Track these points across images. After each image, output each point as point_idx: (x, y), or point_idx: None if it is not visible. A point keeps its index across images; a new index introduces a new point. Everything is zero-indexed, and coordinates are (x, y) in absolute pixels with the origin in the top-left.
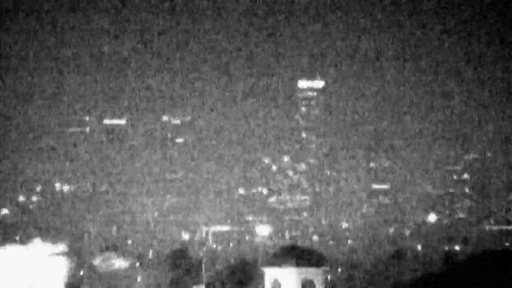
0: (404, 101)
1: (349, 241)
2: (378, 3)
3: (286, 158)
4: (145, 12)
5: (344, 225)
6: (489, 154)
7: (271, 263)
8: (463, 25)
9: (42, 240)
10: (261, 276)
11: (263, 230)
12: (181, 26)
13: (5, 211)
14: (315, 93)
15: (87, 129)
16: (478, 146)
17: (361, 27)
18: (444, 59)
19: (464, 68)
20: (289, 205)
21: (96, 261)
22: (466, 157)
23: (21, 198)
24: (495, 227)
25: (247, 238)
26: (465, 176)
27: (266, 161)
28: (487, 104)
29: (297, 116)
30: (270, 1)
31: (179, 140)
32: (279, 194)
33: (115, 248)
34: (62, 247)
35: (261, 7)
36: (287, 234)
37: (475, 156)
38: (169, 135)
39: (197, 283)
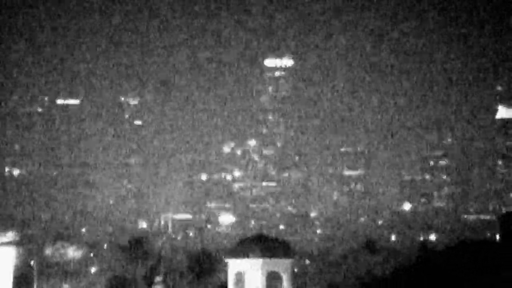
0: (379, 82)
1: (318, 231)
2: None
3: (252, 142)
4: None
5: (313, 213)
6: (467, 138)
7: (234, 254)
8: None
9: None
10: (224, 268)
11: (226, 219)
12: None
13: None
14: (283, 72)
15: (39, 109)
16: (456, 130)
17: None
18: (419, 41)
19: (441, 51)
20: (255, 192)
21: (48, 251)
22: (444, 142)
23: None
24: (474, 217)
25: (209, 227)
26: (443, 162)
27: (231, 144)
28: (465, 88)
29: (264, 97)
30: None
31: (137, 122)
32: (244, 180)
33: (68, 237)
34: (10, 235)
35: None
36: (252, 223)
37: (454, 141)
38: (127, 116)
39: (154, 274)
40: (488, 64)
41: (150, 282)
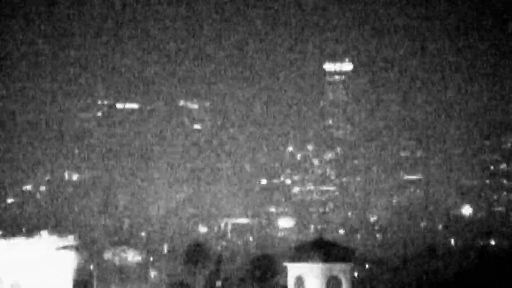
0: (441, 86)
1: (377, 235)
2: None
3: (311, 147)
4: None
5: (373, 218)
6: None
7: (294, 258)
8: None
9: (50, 233)
10: (284, 272)
11: (286, 223)
12: (199, 7)
13: (10, 200)
14: (343, 77)
15: (99, 114)
16: None
17: (393, 4)
18: (488, 42)
19: (502, 51)
20: (314, 196)
21: (107, 255)
22: (503, 146)
23: (28, 187)
24: None
25: (268, 231)
26: (503, 166)
27: (290, 149)
28: None
29: (323, 102)
30: None
31: (197, 126)
32: (304, 184)
33: (128, 241)
34: (70, 240)
35: None
36: (311, 227)
37: None
38: (186, 120)
39: (214, 279)
40: None
41: (210, 286)
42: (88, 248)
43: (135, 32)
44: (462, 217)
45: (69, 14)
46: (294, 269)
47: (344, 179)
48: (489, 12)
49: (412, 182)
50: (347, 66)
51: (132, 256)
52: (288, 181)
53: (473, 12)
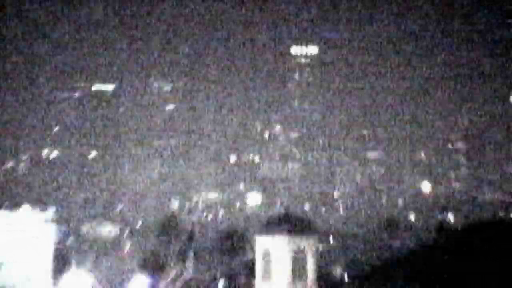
0: (402, 68)
1: (341, 210)
2: None
3: (278, 126)
4: None
5: (336, 194)
6: (484, 120)
7: (262, 232)
8: None
9: (31, 206)
10: (252, 245)
11: (254, 199)
12: None
13: None
14: (309, 60)
15: (76, 95)
16: (473, 113)
17: None
18: (442, 28)
19: (461, 33)
20: (281, 173)
21: (85, 228)
22: (461, 125)
23: (8, 165)
24: (490, 197)
25: (237, 206)
26: (460, 144)
27: (259, 128)
28: (483, 69)
29: (290, 84)
30: None
31: (170, 106)
32: (271, 161)
33: (104, 215)
34: (50, 213)
35: None
36: (278, 203)
37: (470, 123)
38: (159, 101)
39: (187, 250)
40: (495, 56)
41: (182, 258)
42: (66, 221)
43: (110, 14)
44: (421, 193)
45: None
46: (261, 242)
47: (309, 157)
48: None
49: (373, 160)
50: (313, 49)
51: (108, 229)
52: (256, 158)
53: None
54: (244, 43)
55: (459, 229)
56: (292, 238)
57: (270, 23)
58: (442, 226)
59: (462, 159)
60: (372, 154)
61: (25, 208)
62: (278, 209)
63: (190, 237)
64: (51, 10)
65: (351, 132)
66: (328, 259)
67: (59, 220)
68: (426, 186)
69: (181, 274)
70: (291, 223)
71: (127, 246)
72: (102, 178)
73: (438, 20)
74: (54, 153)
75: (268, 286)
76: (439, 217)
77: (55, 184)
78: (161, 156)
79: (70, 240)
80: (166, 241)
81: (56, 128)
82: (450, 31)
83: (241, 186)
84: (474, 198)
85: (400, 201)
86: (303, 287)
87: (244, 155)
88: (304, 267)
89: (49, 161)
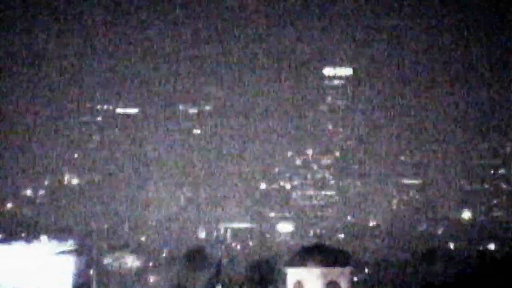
0: (440, 90)
1: (377, 240)
2: None
3: (310, 151)
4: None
5: (372, 222)
6: None
7: (293, 263)
8: None
9: (49, 237)
10: (283, 277)
11: (285, 228)
12: (199, 11)
13: (9, 205)
14: (342, 81)
15: (99, 118)
16: None
17: (392, 7)
18: (482, 45)
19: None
20: (314, 201)
21: (107, 260)
22: (503, 150)
23: (27, 192)
24: None
25: (268, 236)
26: (502, 171)
27: (290, 154)
28: None
29: (322, 107)
30: None
31: (196, 131)
32: (303, 189)
33: (127, 246)
34: (70, 244)
35: None
36: (311, 232)
37: None
38: (186, 125)
39: (214, 283)
40: None
41: None
42: (87, 253)
43: (135, 36)
44: (461, 221)
45: (70, 17)
46: (293, 274)
47: (343, 184)
48: (491, 13)
49: (411, 186)
50: (346, 71)
51: (131, 261)
52: (288, 186)
53: (474, 13)
54: (274, 65)
55: (501, 258)
56: (325, 269)
57: (302, 43)
58: (484, 256)
59: (504, 186)
60: (409, 181)
61: (43, 239)
62: (310, 238)
63: (218, 269)
64: (72, 30)
65: (387, 157)
66: None
67: (79, 251)
68: (466, 214)
69: None
70: (324, 254)
71: (152, 279)
72: (125, 207)
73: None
74: (75, 180)
75: None
76: (480, 246)
77: (75, 213)
78: (188, 183)
79: (91, 273)
80: (193, 272)
81: (78, 153)
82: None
83: (272, 214)
84: None
85: (439, 230)
86: None
87: (275, 182)
88: None
89: (70, 189)
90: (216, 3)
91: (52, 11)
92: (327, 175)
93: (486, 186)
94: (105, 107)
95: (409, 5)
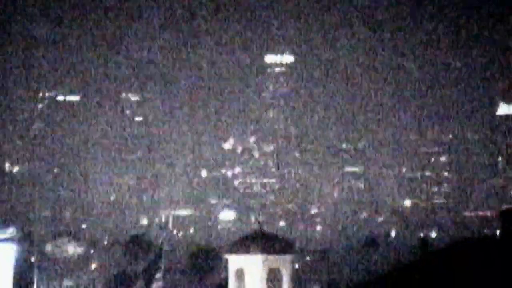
0: (379, 79)
1: (318, 227)
2: None
3: (252, 139)
4: None
5: (314, 210)
6: (468, 135)
7: (235, 250)
8: None
9: None
10: (224, 264)
11: (227, 215)
12: None
13: None
14: (283, 69)
15: (40, 106)
16: (457, 126)
17: None
18: (419, 37)
19: (441, 48)
20: (255, 188)
21: (48, 247)
22: (444, 138)
23: None
24: (474, 213)
25: (209, 223)
26: (443, 158)
27: (231, 141)
28: (465, 84)
29: (264, 94)
30: None
31: (138, 118)
32: (244, 177)
33: (69, 233)
34: (10, 232)
35: None
36: (252, 219)
37: (454, 137)
38: (127, 112)
39: (155, 270)
40: (489, 61)
41: (149, 278)
42: (28, 240)
43: (77, 22)
44: (402, 209)
45: (11, 3)
46: (234, 261)
47: (285, 171)
48: None
49: (352, 174)
50: (288, 58)
51: (73, 248)
52: (229, 173)
53: None
54: (216, 52)
55: (442, 247)
56: (266, 257)
57: (243, 30)
58: (424, 243)
59: (445, 173)
60: (351, 169)
61: None
62: (252, 226)
63: (159, 255)
64: (16, 17)
65: (329, 145)
66: (305, 278)
67: (21, 239)
68: (407, 202)
69: None
70: (265, 241)
71: (93, 265)
72: (67, 194)
73: (414, 24)
74: (16, 168)
75: None
76: (421, 234)
77: (16, 200)
78: (129, 170)
79: (33, 260)
80: (134, 259)
81: (19, 141)
82: (427, 31)
83: (214, 201)
84: (457, 214)
85: (380, 218)
86: None
87: (216, 170)
88: (280, 287)
89: (11, 176)
90: None
91: None
92: (268, 162)
93: (428, 173)
94: (47, 94)
95: None
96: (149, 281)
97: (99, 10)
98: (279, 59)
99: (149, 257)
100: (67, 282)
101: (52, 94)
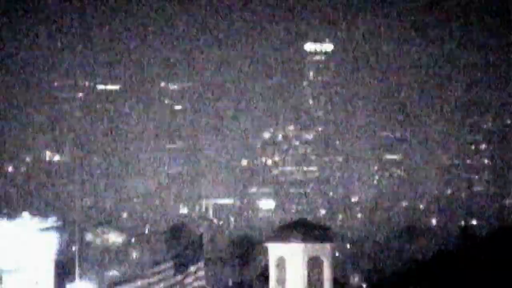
0: (421, 66)
1: (359, 215)
2: None
3: (292, 127)
4: None
5: (354, 198)
6: (509, 122)
7: (275, 239)
8: None
9: (31, 214)
10: (265, 253)
11: (267, 204)
12: None
13: None
14: (323, 57)
15: (80, 95)
16: (497, 115)
17: None
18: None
19: (482, 35)
20: (295, 177)
21: (89, 236)
22: (484, 126)
23: (9, 169)
24: None
25: (250, 212)
26: (483, 145)
27: (271, 130)
28: (506, 71)
29: (304, 82)
30: None
31: (178, 107)
32: (284, 165)
33: (109, 222)
34: (52, 221)
35: None
36: (292, 208)
37: (494, 125)
38: (167, 101)
39: (196, 260)
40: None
41: (192, 266)
42: (70, 229)
43: (117, 13)
44: (443, 197)
45: None
46: (275, 250)
47: (325, 160)
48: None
49: (393, 162)
50: (328, 47)
51: (114, 237)
52: (269, 162)
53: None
54: (255, 41)
55: (483, 234)
56: (307, 245)
57: (282, 20)
58: (466, 232)
59: (485, 161)
60: (391, 157)
61: (25, 216)
62: (292, 214)
63: (200, 244)
64: (53, 7)
65: (369, 133)
66: (346, 267)
67: (61, 228)
68: (447, 190)
69: (191, 283)
70: (306, 229)
71: (134, 255)
72: (107, 183)
73: (447, 18)
74: (58, 157)
75: None
76: (462, 222)
77: (57, 189)
78: (169, 159)
79: (74, 249)
80: (175, 248)
81: (59, 130)
82: (467, 31)
83: (253, 190)
84: (498, 202)
85: (421, 206)
86: None
87: (256, 158)
88: (320, 276)
89: (51, 165)
90: None
91: None
92: (308, 150)
93: (468, 161)
94: (86, 83)
95: None
96: (192, 268)
97: (141, 3)
98: (318, 48)
99: (191, 245)
100: (108, 272)
101: (92, 83)
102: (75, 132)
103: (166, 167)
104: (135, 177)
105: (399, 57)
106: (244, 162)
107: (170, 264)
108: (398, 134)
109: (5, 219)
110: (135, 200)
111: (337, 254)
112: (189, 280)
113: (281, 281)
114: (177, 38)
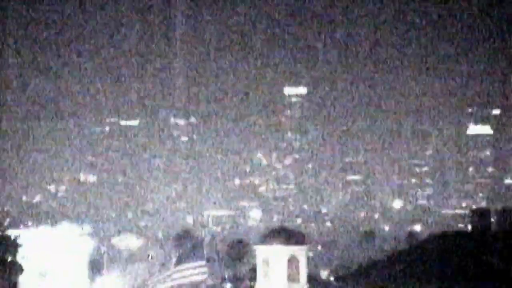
0: (375, 104)
1: (327, 223)
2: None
3: (274, 154)
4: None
5: (323, 210)
6: (445, 149)
7: (262, 242)
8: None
9: (69, 223)
10: (253, 253)
11: (255, 214)
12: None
13: (37, 198)
14: (299, 99)
15: (107, 129)
16: (435, 143)
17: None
18: (413, 62)
19: (428, 69)
20: (277, 193)
21: (115, 241)
22: (426, 152)
23: (51, 187)
24: (451, 211)
25: (241, 221)
26: (425, 168)
27: (258, 155)
28: (440, 110)
29: (283, 119)
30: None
31: (184, 138)
32: (268, 184)
33: (131, 229)
34: (86, 228)
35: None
36: (275, 218)
37: (433, 152)
38: (175, 134)
39: (199, 258)
40: (461, 86)
41: (196, 263)
42: (99, 235)
43: (134, 60)
44: (394, 208)
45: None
46: (261, 251)
47: (300, 180)
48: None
49: (354, 181)
50: (303, 90)
51: (134, 241)
52: (257, 181)
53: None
54: (244, 85)
55: (426, 238)
56: (287, 247)
57: (267, 67)
58: (411, 236)
59: (427, 180)
60: (353, 177)
61: (64, 224)
62: (275, 222)
63: (202, 246)
64: (83, 50)
65: (336, 158)
66: (317, 264)
67: (93, 234)
68: (397, 203)
69: (196, 274)
70: (286, 235)
71: (150, 255)
72: (129, 198)
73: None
74: (90, 178)
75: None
76: (409, 228)
77: (90, 204)
78: (178, 179)
79: (103, 251)
80: (182, 250)
81: (91, 157)
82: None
83: (244, 204)
84: (437, 213)
85: (376, 215)
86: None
87: (247, 178)
88: (297, 271)
89: (85, 185)
90: (199, 33)
91: (62, 24)
92: (288, 172)
93: (414, 180)
94: (111, 119)
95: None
96: (196, 265)
97: (156, 38)
98: (294, 91)
99: (195, 248)
100: (130, 268)
101: (116, 119)
102: (104, 159)
103: (175, 186)
104: (151, 193)
105: (358, 98)
106: (237, 181)
107: (190, 264)
108: (358, 159)
109: (48, 226)
110: (151, 212)
111: (310, 254)
112: (195, 272)
113: (266, 276)
114: (182, 81)
